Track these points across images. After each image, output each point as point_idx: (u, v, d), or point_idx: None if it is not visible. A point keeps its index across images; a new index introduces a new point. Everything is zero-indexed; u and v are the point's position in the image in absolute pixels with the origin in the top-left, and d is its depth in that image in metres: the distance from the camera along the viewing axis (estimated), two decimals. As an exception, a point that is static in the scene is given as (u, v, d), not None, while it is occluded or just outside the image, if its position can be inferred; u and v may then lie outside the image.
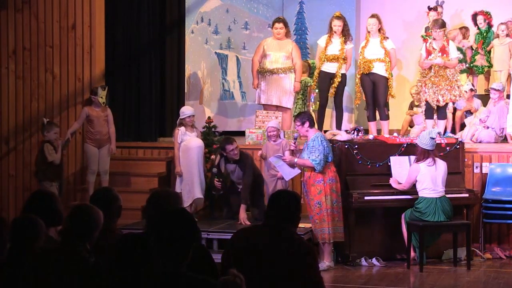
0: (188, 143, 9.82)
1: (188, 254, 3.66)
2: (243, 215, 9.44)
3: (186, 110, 10.11)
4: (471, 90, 11.50)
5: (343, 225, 9.12)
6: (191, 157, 9.79)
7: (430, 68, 10.57)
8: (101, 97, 10.56)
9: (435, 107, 10.66)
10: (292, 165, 9.17)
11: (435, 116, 10.86)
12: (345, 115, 12.29)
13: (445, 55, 10.51)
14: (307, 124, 9.03)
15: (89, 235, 4.32)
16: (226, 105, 12.96)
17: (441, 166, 9.16)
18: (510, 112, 10.61)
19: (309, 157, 8.93)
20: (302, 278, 4.50)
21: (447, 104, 10.70)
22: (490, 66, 12.07)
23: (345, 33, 11.09)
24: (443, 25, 10.68)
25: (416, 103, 11.47)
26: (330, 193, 8.98)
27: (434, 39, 10.66)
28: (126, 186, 10.67)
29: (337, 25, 11.03)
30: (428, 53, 10.59)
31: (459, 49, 11.94)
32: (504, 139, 10.83)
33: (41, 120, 10.45)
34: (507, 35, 11.85)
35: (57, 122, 10.81)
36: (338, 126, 11.10)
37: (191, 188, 9.78)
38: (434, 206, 9.03)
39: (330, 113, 11.84)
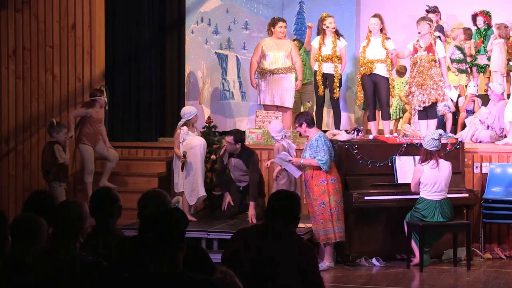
0: (191, 142, 9.81)
1: (180, 253, 3.65)
2: (252, 212, 9.44)
3: (191, 110, 10.05)
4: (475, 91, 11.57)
5: (343, 225, 9.13)
6: (195, 155, 9.77)
7: (414, 65, 10.52)
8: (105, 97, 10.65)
9: (422, 109, 10.59)
10: (299, 167, 9.16)
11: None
12: (345, 115, 12.29)
13: (430, 54, 10.46)
14: (304, 125, 9.02)
15: (80, 230, 4.29)
16: (226, 105, 12.95)
17: (445, 167, 9.11)
18: (509, 102, 10.60)
19: (314, 157, 8.93)
20: (301, 278, 4.50)
21: (434, 103, 10.64)
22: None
23: (336, 31, 11.09)
24: (429, 20, 10.64)
25: (407, 107, 11.55)
26: (334, 193, 8.99)
27: (419, 33, 10.59)
28: (126, 186, 10.66)
29: (330, 22, 11.03)
30: (415, 50, 10.56)
31: (459, 48, 11.92)
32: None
33: (50, 120, 10.39)
34: (501, 36, 11.74)
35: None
36: (337, 126, 11.10)
37: (195, 186, 9.78)
38: (433, 208, 9.02)
39: (329, 112, 11.84)
